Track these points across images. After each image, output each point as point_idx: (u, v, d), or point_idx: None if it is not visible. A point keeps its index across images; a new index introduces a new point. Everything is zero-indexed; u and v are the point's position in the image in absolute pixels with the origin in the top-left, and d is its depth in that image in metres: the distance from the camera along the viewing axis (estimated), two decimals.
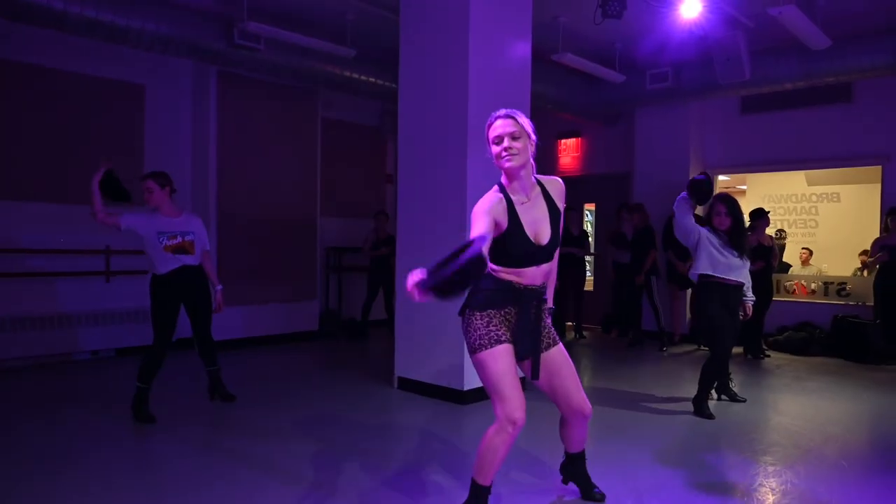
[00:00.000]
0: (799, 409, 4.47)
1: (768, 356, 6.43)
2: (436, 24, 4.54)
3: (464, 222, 4.31)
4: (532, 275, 2.32)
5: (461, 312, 2.36)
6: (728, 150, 7.38)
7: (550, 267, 2.42)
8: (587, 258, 8.68)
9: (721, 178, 8.33)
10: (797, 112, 6.88)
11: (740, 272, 4.12)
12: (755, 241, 6.20)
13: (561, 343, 2.43)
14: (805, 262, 8.28)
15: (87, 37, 5.07)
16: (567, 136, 8.65)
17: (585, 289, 8.68)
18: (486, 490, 2.35)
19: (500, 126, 2.25)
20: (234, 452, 3.35)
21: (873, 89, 6.43)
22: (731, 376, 4.70)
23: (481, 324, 2.27)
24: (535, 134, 2.33)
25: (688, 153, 7.27)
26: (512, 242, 2.25)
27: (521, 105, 4.71)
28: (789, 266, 8.24)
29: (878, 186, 6.56)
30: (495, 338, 2.25)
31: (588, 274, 8.79)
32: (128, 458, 3.31)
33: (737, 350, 6.50)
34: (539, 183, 2.38)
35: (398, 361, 4.78)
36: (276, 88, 6.79)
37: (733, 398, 4.55)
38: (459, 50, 4.36)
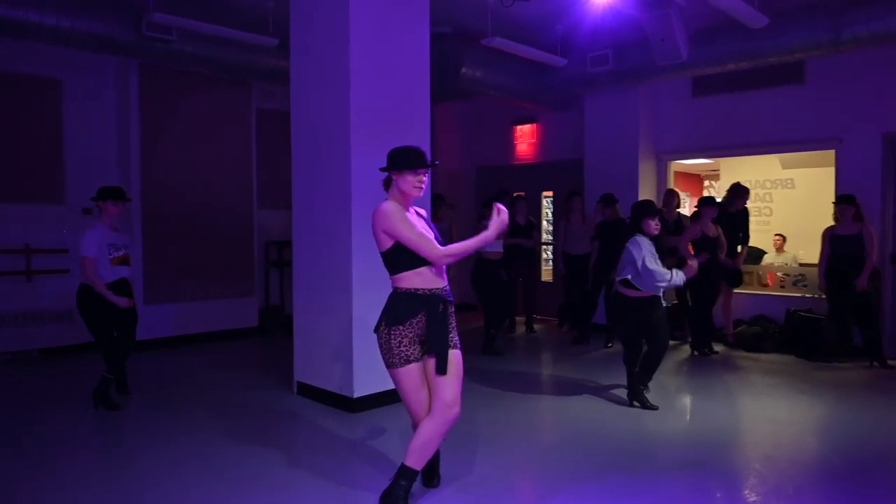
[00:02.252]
0: (711, 417, 4.21)
1: (716, 353, 6.13)
2: (321, 9, 4.28)
3: (350, 222, 4.09)
4: (429, 276, 2.63)
5: (377, 329, 2.67)
6: (680, 134, 7.01)
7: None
8: (547, 248, 8.43)
9: (689, 162, 7.93)
10: (749, 94, 6.48)
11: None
12: (699, 231, 5.90)
13: (459, 349, 2.73)
14: (779, 250, 7.90)
15: None
16: (523, 122, 8.34)
17: (544, 280, 8.45)
18: (414, 473, 2.67)
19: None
20: (103, 454, 3.23)
21: (825, 69, 6.01)
22: (649, 385, 4.46)
23: (394, 343, 2.61)
24: None
25: (637, 138, 6.92)
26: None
27: (419, 93, 4.45)
28: (763, 253, 7.86)
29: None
30: (405, 357, 2.62)
31: (549, 264, 8.54)
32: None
33: (686, 347, 6.27)
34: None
35: (297, 366, 4.62)
36: (205, 80, 6.59)
37: (644, 405, 4.31)
38: (340, 33, 4.09)
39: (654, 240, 4.30)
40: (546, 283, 8.41)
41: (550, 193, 8.39)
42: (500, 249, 6.17)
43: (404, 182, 2.62)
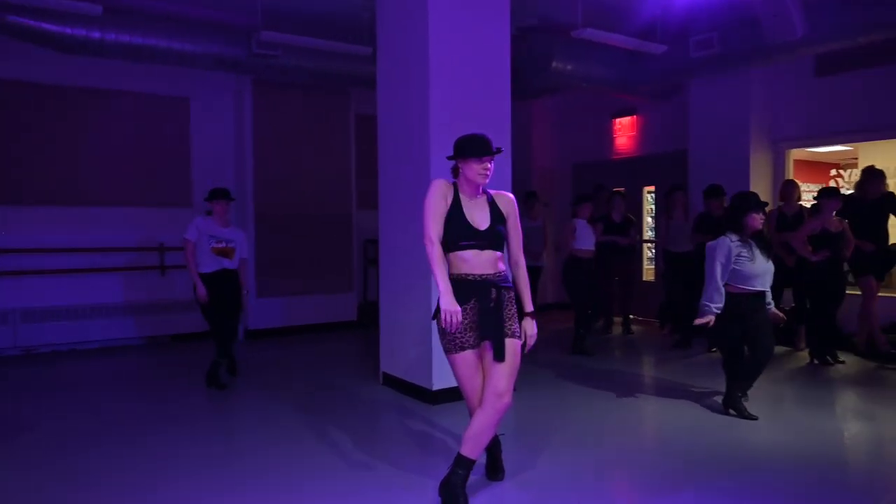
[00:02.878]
0: (820, 431, 3.75)
1: (842, 363, 5.46)
2: (403, 10, 4.41)
3: None
4: (477, 262, 2.66)
5: (434, 316, 2.72)
6: (801, 119, 6.32)
7: (514, 260, 2.82)
8: (648, 246, 8.01)
9: (822, 149, 7.09)
10: (889, 68, 5.67)
11: (764, 279, 3.93)
12: (818, 226, 5.29)
13: (517, 338, 2.70)
14: None
15: (121, 59, 5.68)
16: (622, 115, 7.98)
17: (647, 279, 8.03)
18: (470, 462, 2.68)
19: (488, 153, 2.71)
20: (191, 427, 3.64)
21: None
22: (748, 393, 4.09)
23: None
24: None
25: (748, 126, 6.34)
26: (453, 223, 2.67)
27: (499, 90, 4.44)
28: None
29: None
30: (460, 344, 2.66)
31: (652, 263, 8.10)
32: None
33: (802, 354, 5.67)
34: (487, 194, 2.78)
35: (382, 357, 4.81)
36: (308, 90, 7.07)
37: (741, 414, 3.96)
38: (420, 37, 4.20)
39: (758, 236, 3.95)
40: (648, 282, 7.99)
41: (652, 188, 7.96)
42: (592, 247, 5.97)
43: (469, 169, 2.68)
